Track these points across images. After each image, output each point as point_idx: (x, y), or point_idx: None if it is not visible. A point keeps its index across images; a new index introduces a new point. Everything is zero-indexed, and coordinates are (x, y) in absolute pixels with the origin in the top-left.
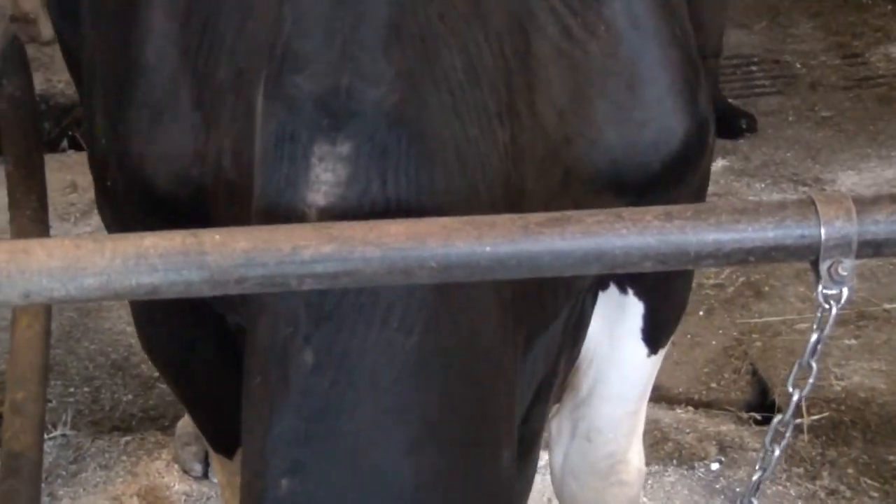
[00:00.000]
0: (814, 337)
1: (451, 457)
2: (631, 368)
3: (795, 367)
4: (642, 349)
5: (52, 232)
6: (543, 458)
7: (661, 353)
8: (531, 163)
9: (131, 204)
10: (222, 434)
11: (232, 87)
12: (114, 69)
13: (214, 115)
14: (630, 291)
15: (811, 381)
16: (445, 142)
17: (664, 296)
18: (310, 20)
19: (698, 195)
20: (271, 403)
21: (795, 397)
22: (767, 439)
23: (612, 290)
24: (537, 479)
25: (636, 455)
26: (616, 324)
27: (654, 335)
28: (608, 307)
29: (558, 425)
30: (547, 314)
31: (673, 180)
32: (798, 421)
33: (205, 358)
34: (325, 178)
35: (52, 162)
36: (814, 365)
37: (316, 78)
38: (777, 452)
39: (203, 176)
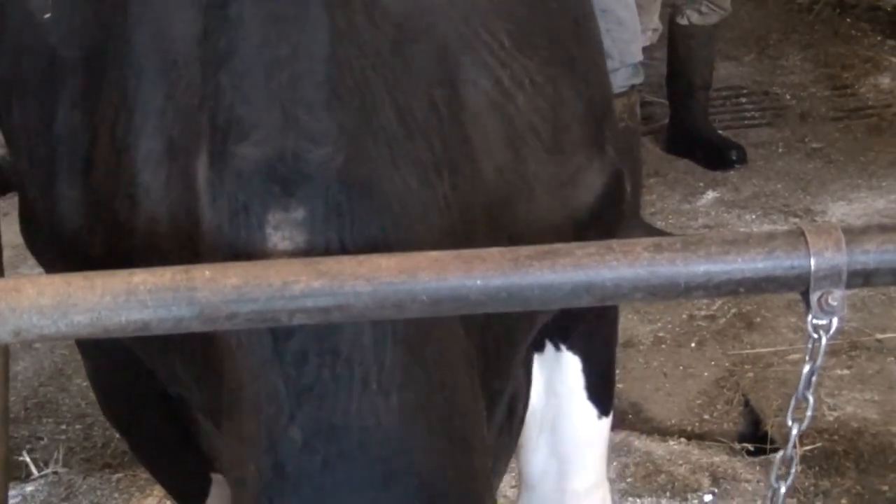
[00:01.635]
0: (806, 368)
1: None
2: (583, 431)
3: (793, 401)
4: (590, 409)
5: (38, 270)
6: None
7: (610, 417)
8: (477, 217)
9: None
10: (180, 491)
11: (163, 158)
12: (39, 142)
13: (143, 186)
14: (563, 347)
15: (809, 413)
16: (390, 195)
17: (598, 347)
18: (248, 86)
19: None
20: (270, 491)
21: (795, 431)
22: (772, 477)
23: (549, 350)
24: None
25: None
26: (557, 383)
27: (598, 391)
28: (548, 366)
29: None
30: (501, 377)
31: (593, 229)
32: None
33: (155, 420)
34: (283, 246)
35: None
36: (810, 397)
37: (261, 145)
38: (783, 490)
39: (134, 247)
